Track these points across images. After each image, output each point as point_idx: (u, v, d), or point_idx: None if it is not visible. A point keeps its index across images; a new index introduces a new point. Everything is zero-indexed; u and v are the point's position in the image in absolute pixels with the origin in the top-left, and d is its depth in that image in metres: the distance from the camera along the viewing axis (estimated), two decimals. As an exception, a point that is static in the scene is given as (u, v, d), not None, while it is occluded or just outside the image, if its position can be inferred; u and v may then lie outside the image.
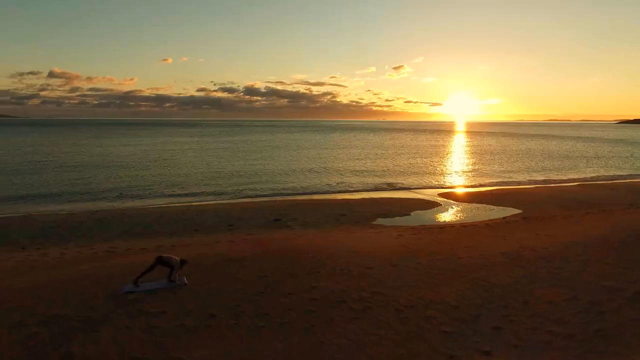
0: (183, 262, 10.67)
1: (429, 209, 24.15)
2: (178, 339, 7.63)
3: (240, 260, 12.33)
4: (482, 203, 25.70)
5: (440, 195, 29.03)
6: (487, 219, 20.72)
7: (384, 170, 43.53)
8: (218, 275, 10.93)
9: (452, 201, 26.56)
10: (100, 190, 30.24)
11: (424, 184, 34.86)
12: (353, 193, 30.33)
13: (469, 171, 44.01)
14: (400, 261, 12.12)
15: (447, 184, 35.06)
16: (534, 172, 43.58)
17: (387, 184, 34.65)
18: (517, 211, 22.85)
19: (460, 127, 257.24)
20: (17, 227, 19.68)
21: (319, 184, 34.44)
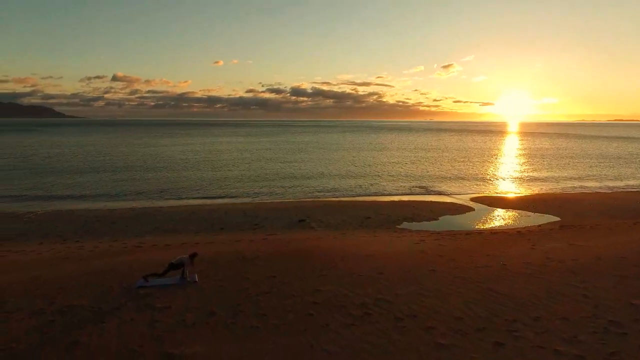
0: (193, 255, 10.97)
1: (459, 213, 23.20)
2: (176, 334, 7.91)
3: (254, 259, 12.57)
4: (519, 209, 24.26)
5: (475, 199, 27.71)
6: (520, 227, 19.57)
7: (422, 173, 42.33)
8: (229, 274, 11.20)
9: (486, 206, 25.31)
10: (145, 190, 31.96)
11: (461, 188, 33.46)
12: (384, 196, 29.78)
13: (513, 175, 41.68)
14: (414, 267, 11.79)
15: (485, 188, 33.43)
16: (585, 177, 40.53)
17: (421, 187, 33.67)
18: (555, 219, 21.37)
19: (512, 128, 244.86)
20: (64, 221, 21.37)
21: (351, 186, 34.19)
